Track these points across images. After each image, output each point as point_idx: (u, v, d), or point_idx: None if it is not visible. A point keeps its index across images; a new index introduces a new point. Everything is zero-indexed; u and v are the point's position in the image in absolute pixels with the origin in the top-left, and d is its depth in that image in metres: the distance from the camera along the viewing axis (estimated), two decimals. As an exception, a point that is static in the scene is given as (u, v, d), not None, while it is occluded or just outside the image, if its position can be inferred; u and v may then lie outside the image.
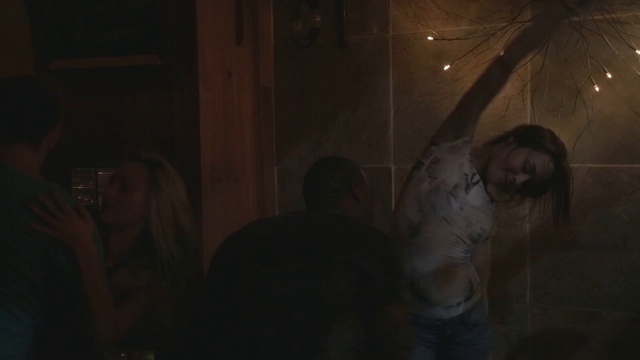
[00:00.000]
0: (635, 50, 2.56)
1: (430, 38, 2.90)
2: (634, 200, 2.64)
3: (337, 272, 1.74)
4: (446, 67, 2.85)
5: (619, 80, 2.64)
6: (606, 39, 2.59)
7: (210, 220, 2.81)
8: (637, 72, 2.58)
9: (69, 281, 1.75)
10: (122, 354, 2.77)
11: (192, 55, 2.74)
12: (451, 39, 2.84)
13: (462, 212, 2.10)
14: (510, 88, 2.77)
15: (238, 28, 3.02)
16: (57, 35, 2.82)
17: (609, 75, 2.63)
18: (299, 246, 1.81)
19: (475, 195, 2.12)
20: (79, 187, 2.91)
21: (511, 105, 2.79)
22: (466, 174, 2.11)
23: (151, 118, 2.82)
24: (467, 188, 2.10)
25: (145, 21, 2.67)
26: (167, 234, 1.95)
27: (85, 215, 1.79)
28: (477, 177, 2.13)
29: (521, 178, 2.09)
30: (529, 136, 2.15)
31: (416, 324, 2.10)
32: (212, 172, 2.84)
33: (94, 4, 2.73)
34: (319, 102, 3.18)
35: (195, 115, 2.76)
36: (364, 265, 1.74)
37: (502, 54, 2.14)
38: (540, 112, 2.76)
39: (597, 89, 2.66)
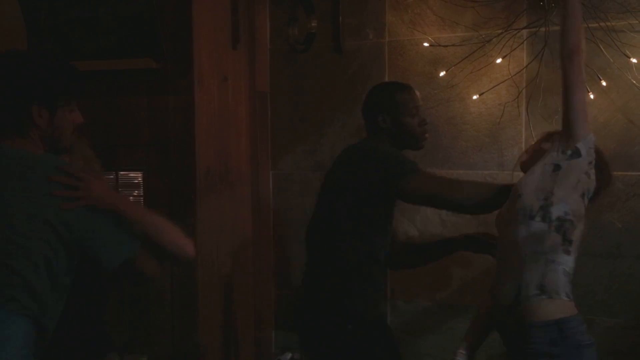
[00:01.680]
0: (629, 58, 2.58)
1: (426, 44, 2.91)
2: (628, 208, 2.65)
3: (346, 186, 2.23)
4: (442, 74, 2.86)
5: (614, 88, 2.65)
6: (601, 47, 2.61)
7: (204, 225, 2.81)
8: (631, 80, 2.59)
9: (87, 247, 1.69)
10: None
11: (188, 60, 2.73)
12: (447, 46, 2.85)
13: None
14: (505, 95, 2.83)
15: (234, 32, 3.02)
16: (52, 38, 2.80)
17: (604, 83, 2.64)
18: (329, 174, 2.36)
19: None
20: None
21: (506, 112, 2.80)
22: None
23: (146, 122, 2.82)
24: None
25: (141, 25, 2.67)
26: None
27: (96, 173, 1.80)
28: None
29: None
30: None
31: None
32: (207, 176, 2.84)
33: (90, 7, 2.72)
34: (315, 107, 3.18)
35: (191, 120, 2.76)
36: (361, 175, 2.18)
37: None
38: (535, 119, 2.77)
39: (591, 96, 2.65)
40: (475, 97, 2.82)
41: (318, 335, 2.29)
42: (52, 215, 1.58)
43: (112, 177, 2.87)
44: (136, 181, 2.84)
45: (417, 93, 2.35)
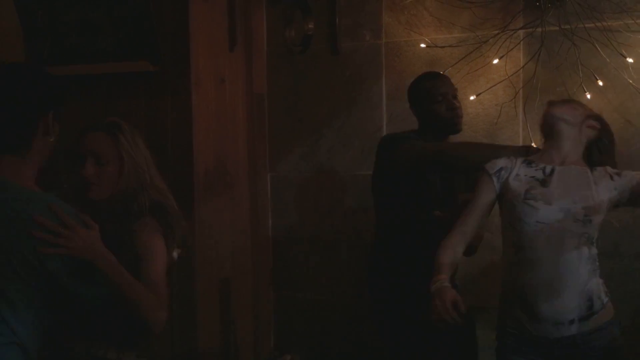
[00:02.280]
0: (626, 58, 2.60)
1: (422, 45, 2.93)
2: (626, 208, 2.56)
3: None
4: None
5: (610, 88, 2.68)
6: (597, 47, 2.63)
7: (202, 225, 2.82)
8: (628, 79, 2.62)
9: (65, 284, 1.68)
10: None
11: (185, 62, 2.74)
12: (443, 47, 2.87)
13: None
14: (502, 95, 2.86)
15: (231, 34, 3.03)
16: (50, 40, 2.84)
17: (600, 83, 2.66)
18: None
19: None
20: None
21: (503, 112, 2.83)
22: None
23: (144, 124, 2.79)
24: None
25: (138, 28, 2.68)
26: (162, 191, 1.97)
27: (88, 221, 1.73)
28: None
29: None
30: None
31: (520, 335, 1.98)
32: (205, 178, 2.85)
33: (87, 10, 2.73)
34: (312, 109, 3.19)
35: (189, 121, 2.76)
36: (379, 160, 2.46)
37: None
38: (532, 119, 2.75)
39: (588, 96, 2.67)
40: (472, 97, 2.84)
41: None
42: (31, 252, 1.57)
43: None
44: None
45: (447, 80, 2.48)
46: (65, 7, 2.76)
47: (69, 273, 1.68)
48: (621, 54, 2.60)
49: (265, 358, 3.32)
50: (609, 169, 2.01)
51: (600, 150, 2.06)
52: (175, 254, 1.99)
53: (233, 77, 3.06)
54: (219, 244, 2.99)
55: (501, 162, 2.00)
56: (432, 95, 2.39)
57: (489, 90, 2.84)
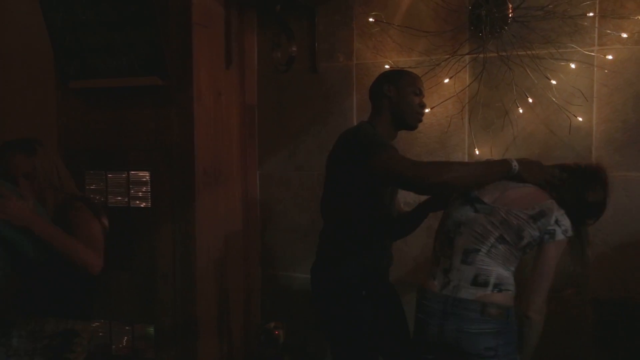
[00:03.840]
0: (550, 80, 2.71)
1: (387, 66, 2.97)
2: None
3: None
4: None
5: (538, 104, 2.76)
6: (528, 71, 2.73)
7: (202, 216, 2.88)
8: (552, 98, 2.72)
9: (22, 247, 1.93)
10: (127, 327, 2.97)
11: (188, 78, 2.79)
12: (404, 68, 2.79)
13: None
14: (451, 108, 2.90)
15: (227, 55, 3.07)
16: (75, 59, 2.86)
17: (530, 100, 2.76)
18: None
19: None
20: (92, 187, 2.97)
21: (452, 123, 2.91)
22: None
23: (153, 130, 2.87)
24: None
25: (150, 48, 2.73)
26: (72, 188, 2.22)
27: (24, 195, 1.95)
28: None
29: None
30: None
31: None
32: (204, 176, 2.90)
33: (108, 32, 2.77)
34: (295, 118, 3.24)
35: (190, 128, 2.81)
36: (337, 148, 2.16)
37: None
38: (475, 129, 2.88)
39: (520, 111, 2.79)
40: (427, 110, 2.62)
41: (317, 297, 2.26)
42: None
43: (124, 175, 2.92)
44: (144, 179, 2.90)
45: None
46: (90, 30, 2.79)
47: (18, 236, 1.87)
48: (546, 77, 2.70)
49: (254, 326, 3.33)
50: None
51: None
52: (105, 221, 2.21)
53: (228, 91, 3.11)
54: (216, 230, 3.01)
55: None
56: (416, 87, 2.20)
57: (441, 104, 2.89)
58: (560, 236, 1.93)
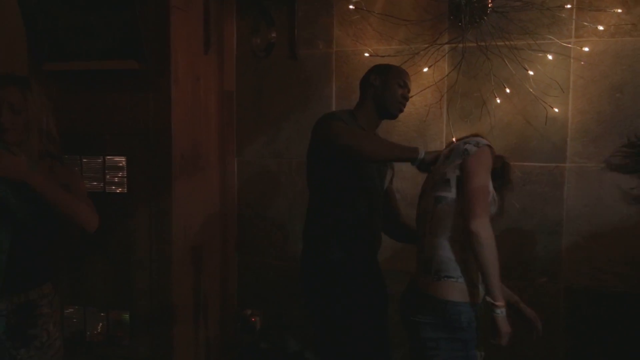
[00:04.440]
0: (528, 71, 2.74)
1: (366, 54, 3.00)
2: (524, 191, 2.81)
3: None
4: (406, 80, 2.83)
5: (515, 95, 2.80)
6: (505, 61, 2.76)
7: (179, 201, 2.86)
8: (529, 88, 2.75)
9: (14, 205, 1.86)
10: (102, 314, 2.94)
11: (166, 62, 2.75)
12: (384, 56, 2.94)
13: None
14: (430, 98, 2.91)
15: (206, 40, 3.04)
16: (50, 40, 2.77)
17: (508, 90, 2.79)
18: None
19: None
20: None
21: (431, 112, 2.94)
22: None
23: (130, 114, 2.83)
24: None
25: (127, 31, 2.68)
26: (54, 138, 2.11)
27: (15, 151, 1.88)
28: None
29: None
30: None
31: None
32: (182, 161, 2.87)
33: (83, 14, 2.71)
34: (274, 105, 3.23)
35: (168, 113, 2.77)
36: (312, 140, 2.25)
37: None
38: (454, 119, 2.91)
39: (498, 101, 2.82)
40: None
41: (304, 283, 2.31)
42: None
43: (99, 160, 2.85)
44: (120, 164, 2.85)
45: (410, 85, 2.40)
46: (64, 12, 2.72)
47: (10, 192, 1.81)
48: (524, 68, 2.73)
49: (230, 313, 3.33)
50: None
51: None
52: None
53: (207, 76, 3.08)
54: (193, 216, 3.00)
55: None
56: (401, 79, 2.32)
57: (420, 93, 2.91)
58: (473, 149, 1.93)
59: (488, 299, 1.86)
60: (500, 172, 2.04)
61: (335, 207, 2.26)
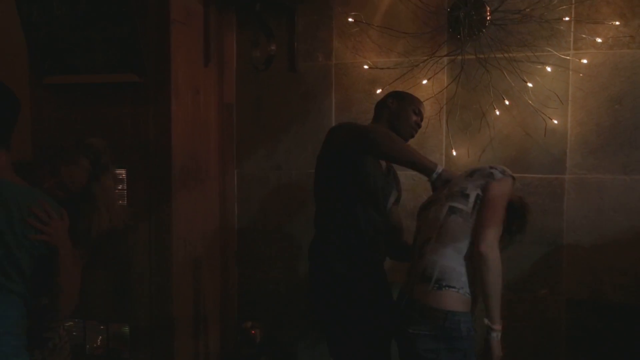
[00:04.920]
0: (526, 83, 2.74)
1: (365, 67, 3.00)
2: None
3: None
4: (378, 91, 2.94)
5: (515, 107, 2.80)
6: (505, 73, 2.76)
7: (179, 214, 2.85)
8: (528, 100, 2.76)
9: (46, 265, 1.76)
10: (102, 327, 2.92)
11: (166, 75, 2.76)
12: (383, 68, 2.95)
13: None
14: (429, 110, 2.89)
15: (206, 53, 3.05)
16: (50, 55, 2.79)
17: (507, 102, 2.79)
18: None
19: None
20: None
21: (430, 124, 2.91)
22: None
23: (130, 127, 2.83)
24: None
25: (127, 45, 2.69)
26: None
27: (64, 215, 1.80)
28: None
29: None
30: None
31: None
32: (182, 174, 2.87)
33: (83, 28, 2.72)
34: (273, 117, 3.23)
35: (168, 126, 2.78)
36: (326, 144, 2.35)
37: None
38: (453, 130, 2.90)
39: (497, 113, 2.82)
40: None
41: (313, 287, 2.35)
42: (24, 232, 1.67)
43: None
44: (121, 177, 2.84)
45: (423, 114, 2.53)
46: (65, 26, 2.73)
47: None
48: (523, 80, 2.73)
49: (230, 325, 3.31)
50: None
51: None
52: None
53: (207, 89, 3.09)
54: (192, 230, 2.99)
55: None
56: (416, 107, 2.47)
57: None
58: (499, 175, 1.98)
59: (486, 321, 1.88)
60: (520, 212, 2.08)
61: (339, 222, 2.31)
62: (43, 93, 2.93)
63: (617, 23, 2.67)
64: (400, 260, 2.56)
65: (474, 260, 1.89)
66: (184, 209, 2.91)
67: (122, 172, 2.86)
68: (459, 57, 2.84)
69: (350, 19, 3.03)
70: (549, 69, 2.75)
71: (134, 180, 2.85)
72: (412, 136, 2.48)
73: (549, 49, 2.74)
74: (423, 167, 2.11)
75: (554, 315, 2.83)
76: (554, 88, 2.75)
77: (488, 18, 2.79)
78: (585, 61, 2.71)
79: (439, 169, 2.09)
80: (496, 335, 1.88)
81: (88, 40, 2.75)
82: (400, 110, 2.45)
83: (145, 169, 2.84)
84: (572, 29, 2.72)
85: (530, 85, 2.76)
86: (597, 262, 2.76)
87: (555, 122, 2.76)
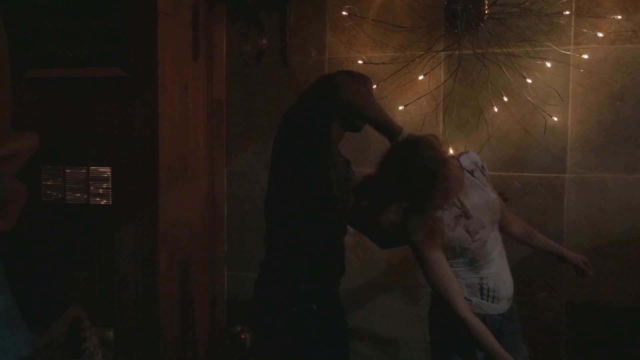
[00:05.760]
0: (526, 79, 2.71)
1: (360, 62, 2.96)
2: (523, 203, 2.78)
3: None
4: (373, 87, 2.79)
5: (513, 103, 2.76)
6: (503, 69, 2.73)
7: (166, 214, 2.82)
8: (527, 97, 2.72)
9: None
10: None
11: (153, 69, 2.73)
12: (377, 64, 2.92)
13: None
14: (425, 106, 2.87)
15: (194, 47, 3.02)
16: (32, 47, 2.75)
17: (505, 99, 2.76)
18: None
19: None
20: (48, 183, 2.87)
21: (426, 122, 2.89)
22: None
23: (115, 123, 2.79)
24: None
25: (112, 37, 2.66)
26: None
27: None
28: None
29: None
30: None
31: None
32: (169, 172, 2.85)
33: (66, 20, 2.69)
34: (264, 114, 3.19)
35: (155, 122, 2.75)
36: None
37: None
38: (450, 128, 2.86)
39: (495, 109, 2.79)
40: (400, 107, 2.89)
41: (266, 311, 2.11)
42: None
43: (83, 171, 2.82)
44: (105, 175, 2.82)
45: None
46: (47, 18, 2.70)
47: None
48: (522, 75, 2.70)
49: (219, 329, 3.28)
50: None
51: None
52: None
53: (195, 84, 3.06)
54: (180, 230, 2.97)
55: None
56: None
57: (415, 102, 2.88)
58: None
59: None
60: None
61: (302, 226, 2.07)
62: (25, 87, 2.90)
63: (619, 17, 2.63)
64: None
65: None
66: (171, 209, 2.89)
67: (106, 170, 2.84)
68: (456, 52, 2.80)
69: (344, 13, 3.00)
70: (548, 64, 2.71)
71: (119, 179, 2.82)
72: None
73: (549, 44, 2.70)
74: (391, 129, 1.86)
75: (554, 318, 2.80)
76: (554, 84, 2.71)
77: (486, 12, 2.76)
78: (586, 56, 2.68)
79: (405, 133, 1.85)
80: None
81: (71, 33, 2.72)
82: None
83: (130, 166, 2.81)
84: (573, 23, 2.69)
85: (529, 81, 2.72)
86: (598, 263, 2.68)
87: (555, 119, 2.73)
